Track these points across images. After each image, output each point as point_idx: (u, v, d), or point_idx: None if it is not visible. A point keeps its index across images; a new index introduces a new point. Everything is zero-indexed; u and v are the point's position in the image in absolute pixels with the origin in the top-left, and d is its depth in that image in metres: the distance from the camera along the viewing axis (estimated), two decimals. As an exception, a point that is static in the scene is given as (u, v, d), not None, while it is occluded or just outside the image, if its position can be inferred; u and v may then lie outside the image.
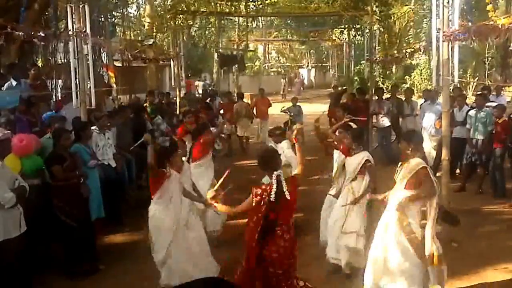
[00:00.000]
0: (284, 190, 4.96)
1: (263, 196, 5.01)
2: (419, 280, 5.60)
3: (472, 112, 10.82)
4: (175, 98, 17.01)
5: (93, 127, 8.71)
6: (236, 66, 25.81)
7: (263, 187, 5.10)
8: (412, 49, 12.96)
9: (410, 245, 5.57)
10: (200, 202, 6.80)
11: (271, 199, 4.96)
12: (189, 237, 6.48)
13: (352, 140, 7.11)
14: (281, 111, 17.23)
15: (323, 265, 7.23)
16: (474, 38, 7.19)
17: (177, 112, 14.58)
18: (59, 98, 11.54)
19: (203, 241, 6.75)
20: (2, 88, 9.41)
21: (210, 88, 26.05)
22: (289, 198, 4.99)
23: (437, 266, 5.53)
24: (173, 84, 17.47)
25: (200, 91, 25.71)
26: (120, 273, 7.10)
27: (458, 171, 11.75)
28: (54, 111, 9.75)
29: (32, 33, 8.35)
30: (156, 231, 6.27)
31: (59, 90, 12.28)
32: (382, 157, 13.47)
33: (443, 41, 7.58)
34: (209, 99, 17.96)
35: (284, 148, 8.33)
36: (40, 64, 12.68)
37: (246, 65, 35.65)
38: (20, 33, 7.90)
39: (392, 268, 5.66)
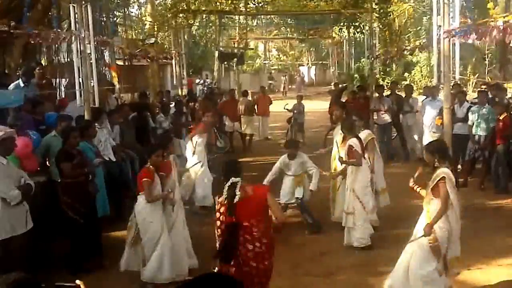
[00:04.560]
0: (235, 196, 4.95)
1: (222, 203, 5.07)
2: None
3: (474, 109, 10.87)
4: (178, 97, 17.05)
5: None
6: (236, 60, 25.98)
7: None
8: (412, 46, 13.04)
9: (432, 252, 5.67)
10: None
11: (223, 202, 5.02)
12: (174, 234, 6.71)
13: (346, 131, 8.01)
14: (284, 109, 17.37)
15: (329, 261, 7.35)
16: (474, 37, 7.25)
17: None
18: (63, 97, 11.61)
19: (185, 240, 7.00)
20: (9, 88, 9.47)
21: (210, 87, 26.10)
22: (237, 201, 4.94)
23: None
24: (174, 82, 17.54)
25: (199, 89, 25.75)
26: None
27: (459, 167, 11.80)
28: (57, 111, 9.80)
29: (35, 33, 8.42)
30: (146, 225, 6.48)
31: (62, 89, 12.34)
32: (383, 154, 13.55)
33: (443, 38, 7.64)
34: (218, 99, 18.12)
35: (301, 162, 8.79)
36: (44, 64, 12.72)
37: (247, 62, 35.73)
38: (23, 33, 7.99)
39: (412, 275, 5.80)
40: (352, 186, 7.74)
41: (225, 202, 5.00)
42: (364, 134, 8.42)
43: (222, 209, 5.04)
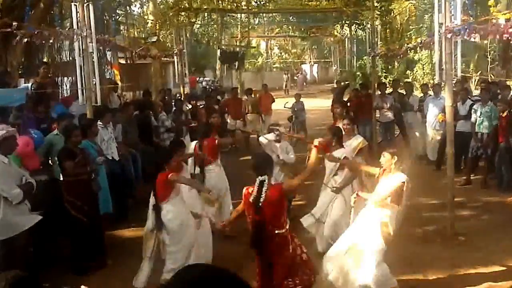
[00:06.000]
0: (262, 195, 5.08)
1: (248, 198, 5.22)
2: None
3: (476, 107, 10.85)
4: (179, 95, 17.06)
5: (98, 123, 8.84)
6: (236, 63, 26.02)
7: (250, 189, 5.26)
8: (414, 44, 13.00)
9: (382, 237, 5.87)
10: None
11: (251, 201, 5.15)
12: (198, 232, 6.61)
13: (331, 137, 7.58)
14: (284, 107, 17.40)
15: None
16: (475, 36, 7.23)
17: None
18: (67, 96, 11.63)
19: (208, 235, 6.91)
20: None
21: (212, 86, 26.15)
22: (262, 202, 5.08)
23: None
24: (177, 80, 17.54)
25: (199, 87, 25.79)
26: (127, 268, 7.13)
27: (462, 164, 11.78)
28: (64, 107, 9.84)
29: (37, 31, 8.42)
30: (178, 233, 6.26)
31: (65, 88, 12.37)
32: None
33: (445, 36, 7.61)
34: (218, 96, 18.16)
35: (285, 148, 8.68)
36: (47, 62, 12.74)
37: (249, 61, 35.80)
38: (25, 32, 7.98)
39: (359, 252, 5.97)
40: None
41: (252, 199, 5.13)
42: (357, 140, 8.18)
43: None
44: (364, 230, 5.99)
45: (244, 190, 5.34)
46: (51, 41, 8.49)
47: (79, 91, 8.66)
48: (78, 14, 8.38)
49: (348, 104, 14.66)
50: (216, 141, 8.47)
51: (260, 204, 5.07)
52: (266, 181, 5.14)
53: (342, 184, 7.36)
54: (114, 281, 6.82)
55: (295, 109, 17.10)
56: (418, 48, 11.81)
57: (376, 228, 5.89)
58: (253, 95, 17.84)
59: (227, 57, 25.68)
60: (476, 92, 16.13)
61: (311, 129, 17.69)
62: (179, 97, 15.76)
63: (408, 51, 13.02)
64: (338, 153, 7.41)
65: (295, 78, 47.26)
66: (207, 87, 26.09)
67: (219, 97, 18.33)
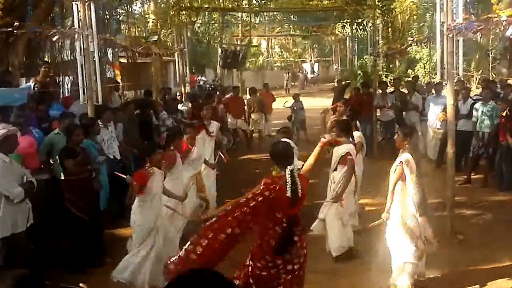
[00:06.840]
0: (298, 185, 4.74)
1: (273, 187, 4.70)
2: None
3: (478, 106, 10.83)
4: (179, 95, 17.05)
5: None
6: (238, 64, 25.93)
7: (275, 178, 4.79)
8: (415, 43, 13.02)
9: (406, 233, 6.05)
10: (177, 198, 7.10)
11: (287, 194, 4.69)
12: (160, 241, 6.42)
13: (339, 131, 7.42)
14: (284, 106, 17.46)
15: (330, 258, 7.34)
16: (477, 33, 7.24)
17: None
18: (67, 95, 11.62)
19: (172, 247, 6.69)
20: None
21: (212, 85, 26.10)
22: (300, 194, 4.77)
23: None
24: (178, 80, 17.54)
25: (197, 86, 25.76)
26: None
27: (463, 163, 11.78)
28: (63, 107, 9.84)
29: (38, 31, 8.42)
30: (135, 228, 6.40)
31: (66, 87, 12.36)
32: (386, 150, 13.55)
33: (447, 34, 7.61)
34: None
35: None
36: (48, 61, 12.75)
37: (250, 60, 35.75)
38: (27, 31, 8.01)
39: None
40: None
41: (288, 193, 4.70)
42: (354, 135, 8.10)
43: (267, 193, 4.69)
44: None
45: (267, 179, 4.77)
46: (53, 39, 8.47)
47: (80, 90, 8.66)
48: (79, 13, 8.39)
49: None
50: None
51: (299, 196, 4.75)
52: (295, 170, 4.85)
53: (339, 192, 7.12)
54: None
55: (295, 108, 17.16)
56: (416, 45, 11.84)
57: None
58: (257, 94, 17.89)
59: (228, 57, 25.62)
60: (477, 91, 16.14)
61: (311, 129, 17.69)
62: (175, 96, 15.76)
63: (408, 49, 13.04)
64: (344, 147, 7.28)
65: (300, 74, 47.42)
66: (204, 86, 26.03)
67: (218, 92, 18.31)
